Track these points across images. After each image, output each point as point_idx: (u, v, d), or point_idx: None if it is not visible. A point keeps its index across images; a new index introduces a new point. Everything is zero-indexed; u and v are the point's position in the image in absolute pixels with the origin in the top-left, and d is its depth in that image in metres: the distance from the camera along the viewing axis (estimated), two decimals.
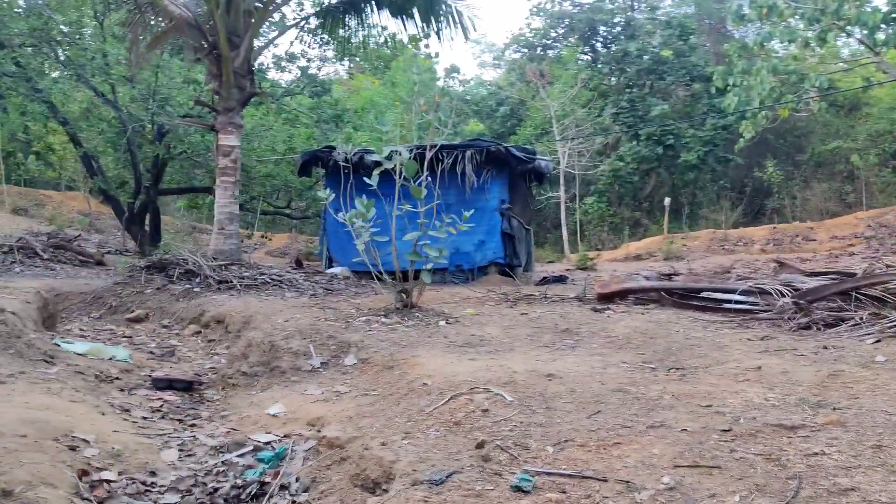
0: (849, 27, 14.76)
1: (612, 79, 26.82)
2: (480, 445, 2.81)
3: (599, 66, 27.12)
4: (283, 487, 3.20)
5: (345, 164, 7.47)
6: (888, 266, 5.87)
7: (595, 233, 24.29)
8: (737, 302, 6.10)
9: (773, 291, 5.90)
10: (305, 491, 3.15)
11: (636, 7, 28.23)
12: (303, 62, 17.42)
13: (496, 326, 5.76)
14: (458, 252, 10.66)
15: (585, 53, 28.91)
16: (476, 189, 10.82)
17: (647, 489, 2.23)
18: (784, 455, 2.48)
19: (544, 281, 10.89)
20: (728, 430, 2.76)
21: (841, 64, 19.70)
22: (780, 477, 2.28)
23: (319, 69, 19.63)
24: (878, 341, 4.37)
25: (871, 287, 5.56)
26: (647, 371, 4.09)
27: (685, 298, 6.69)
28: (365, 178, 6.15)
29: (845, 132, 22.58)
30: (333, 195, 6.69)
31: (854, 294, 5.55)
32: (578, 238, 23.71)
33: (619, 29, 27.74)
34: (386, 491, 2.60)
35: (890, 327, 4.67)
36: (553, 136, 22.84)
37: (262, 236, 19.51)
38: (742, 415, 2.97)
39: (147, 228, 14.64)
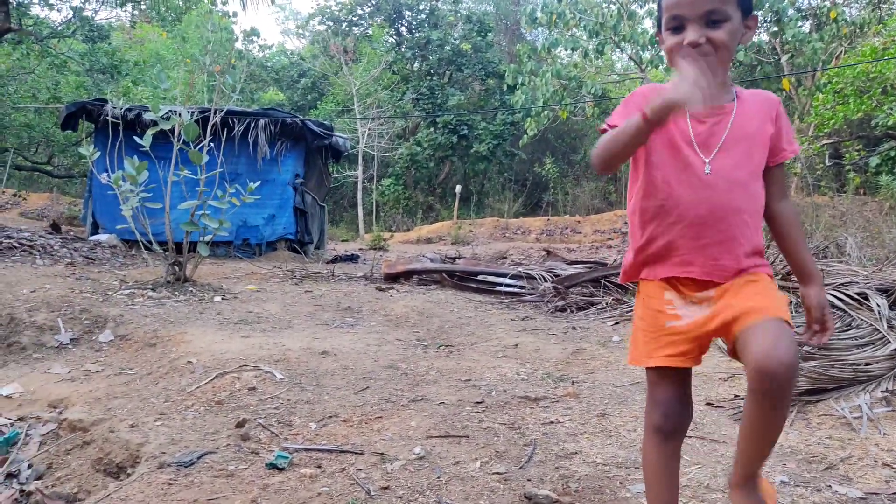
0: (623, 43, 16.58)
1: (415, 64, 27.38)
2: (241, 424, 2.73)
3: (403, 50, 27.51)
4: (10, 476, 2.85)
5: (115, 120, 6.73)
6: None
7: (390, 214, 24.74)
8: (507, 285, 6.59)
9: (537, 277, 6.47)
10: (39, 478, 2.83)
11: None
12: (76, 2, 15.44)
13: (277, 303, 5.63)
14: (245, 225, 10.22)
15: (390, 36, 29.13)
16: (269, 161, 10.44)
17: (398, 460, 2.32)
18: (525, 424, 2.73)
19: (335, 259, 10.86)
20: (480, 402, 2.98)
21: (614, 76, 22.06)
22: (519, 444, 2.51)
23: (96, 12, 17.54)
24: (617, 323, 5.00)
25: (617, 276, 6.34)
26: (419, 348, 4.26)
27: (464, 280, 7.09)
28: (137, 139, 5.61)
29: None
30: (98, 153, 6.01)
31: (603, 282, 6.29)
32: (374, 218, 23.98)
33: (423, 16, 28.33)
34: (130, 475, 2.41)
35: (627, 311, 5.36)
36: (354, 115, 22.76)
37: (16, 195, 17.03)
38: (495, 388, 3.22)
39: None
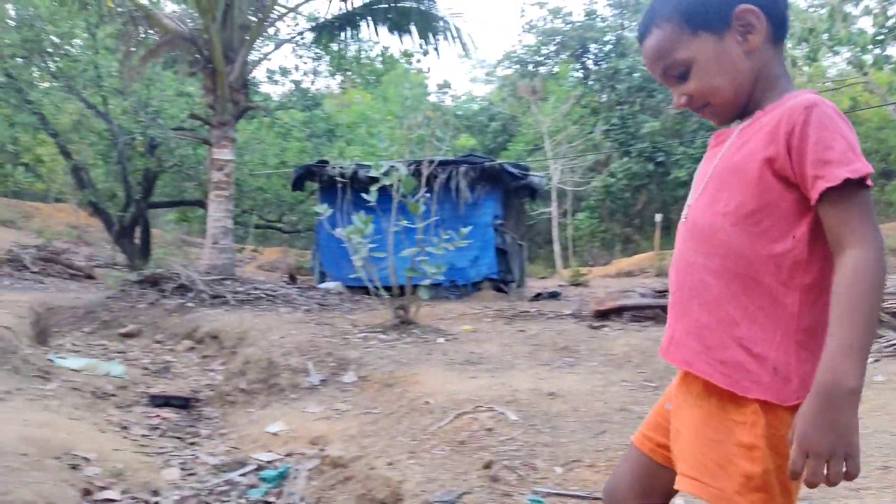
0: (836, 47, 15.01)
1: (604, 96, 27.07)
2: (488, 465, 2.80)
3: (590, 83, 27.38)
4: None
5: (341, 178, 7.46)
6: None
7: (586, 248, 24.41)
8: None
9: None
10: None
11: (626, 26, 28.55)
12: (296, 76, 17.54)
13: (495, 343, 5.76)
14: (452, 267, 10.66)
15: (577, 70, 29.18)
16: (470, 205, 10.87)
17: None
18: None
19: (538, 297, 10.92)
20: None
21: (828, 83, 19.96)
22: None
23: (312, 83, 19.75)
24: (877, 361, 4.41)
25: None
26: (648, 390, 4.09)
27: None
28: (363, 195, 6.16)
29: None
30: (331, 210, 6.69)
31: None
32: (570, 254, 23.80)
33: (609, 47, 28.03)
34: None
35: (887, 346, 4.71)
36: (545, 152, 22.99)
37: (253, 250, 19.43)
38: None
39: (137, 242, 14.55)
